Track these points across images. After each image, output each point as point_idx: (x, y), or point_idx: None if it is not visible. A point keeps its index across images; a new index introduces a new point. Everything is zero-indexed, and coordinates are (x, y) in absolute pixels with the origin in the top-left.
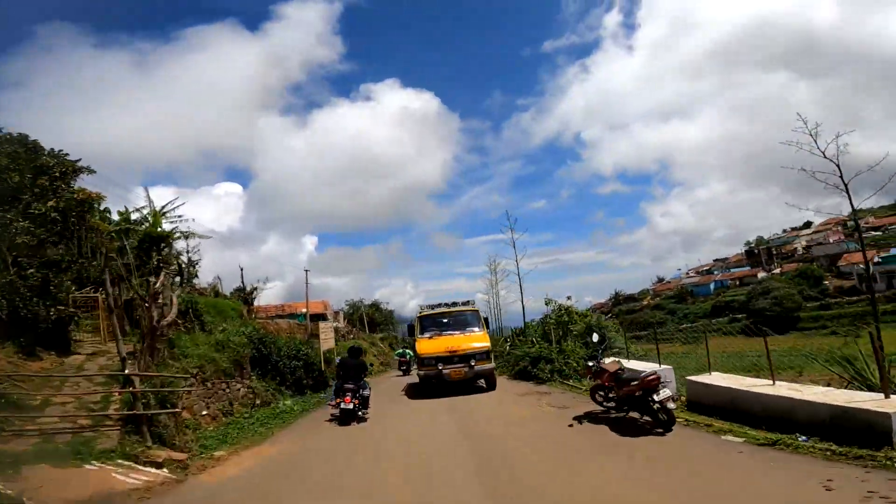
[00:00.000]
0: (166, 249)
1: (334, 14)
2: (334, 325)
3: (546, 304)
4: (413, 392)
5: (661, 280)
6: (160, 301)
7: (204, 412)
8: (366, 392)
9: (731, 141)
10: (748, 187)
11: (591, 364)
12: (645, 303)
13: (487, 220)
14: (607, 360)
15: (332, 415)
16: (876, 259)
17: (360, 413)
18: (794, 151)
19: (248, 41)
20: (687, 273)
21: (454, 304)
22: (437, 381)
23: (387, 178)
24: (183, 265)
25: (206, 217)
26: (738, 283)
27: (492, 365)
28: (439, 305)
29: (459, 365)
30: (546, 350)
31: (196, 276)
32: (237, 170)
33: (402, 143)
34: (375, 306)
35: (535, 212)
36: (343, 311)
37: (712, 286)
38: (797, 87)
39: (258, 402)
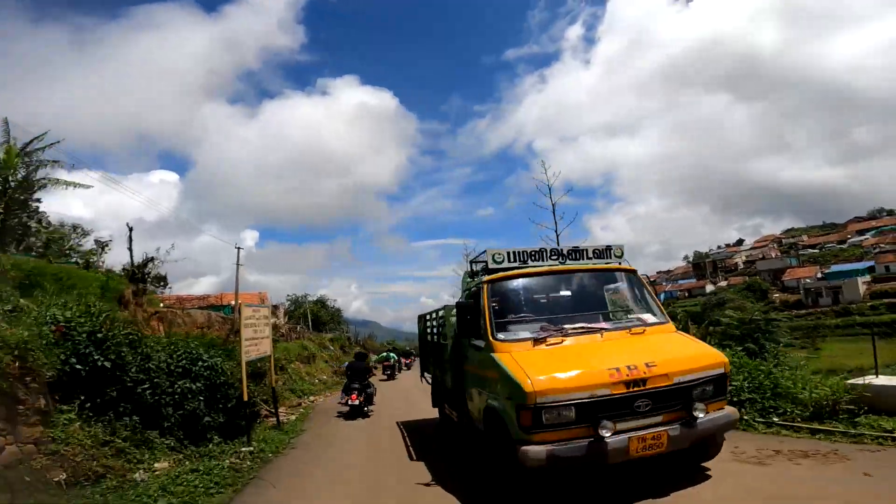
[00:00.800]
0: None
1: (299, 1)
2: (269, 316)
3: None
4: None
5: None
6: None
7: None
8: (370, 391)
9: (670, 160)
10: (682, 205)
11: None
12: None
13: (437, 224)
14: None
15: (339, 412)
16: (818, 275)
17: (364, 409)
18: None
19: (203, 23)
20: None
21: (575, 251)
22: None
23: (337, 175)
24: None
25: (136, 205)
26: (686, 294)
27: (735, 415)
28: (538, 256)
29: (656, 419)
30: None
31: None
32: (174, 157)
33: (357, 140)
34: (321, 303)
35: (483, 219)
36: (284, 306)
37: (662, 296)
38: (734, 109)
39: (63, 477)
